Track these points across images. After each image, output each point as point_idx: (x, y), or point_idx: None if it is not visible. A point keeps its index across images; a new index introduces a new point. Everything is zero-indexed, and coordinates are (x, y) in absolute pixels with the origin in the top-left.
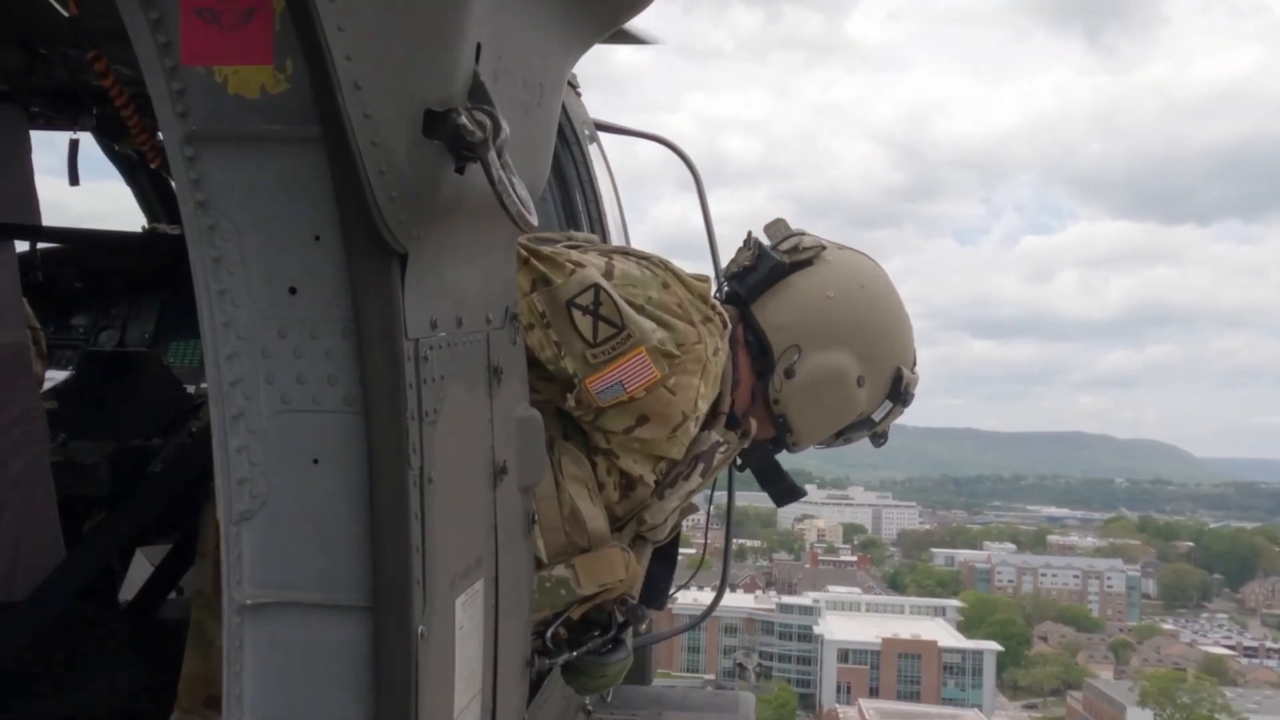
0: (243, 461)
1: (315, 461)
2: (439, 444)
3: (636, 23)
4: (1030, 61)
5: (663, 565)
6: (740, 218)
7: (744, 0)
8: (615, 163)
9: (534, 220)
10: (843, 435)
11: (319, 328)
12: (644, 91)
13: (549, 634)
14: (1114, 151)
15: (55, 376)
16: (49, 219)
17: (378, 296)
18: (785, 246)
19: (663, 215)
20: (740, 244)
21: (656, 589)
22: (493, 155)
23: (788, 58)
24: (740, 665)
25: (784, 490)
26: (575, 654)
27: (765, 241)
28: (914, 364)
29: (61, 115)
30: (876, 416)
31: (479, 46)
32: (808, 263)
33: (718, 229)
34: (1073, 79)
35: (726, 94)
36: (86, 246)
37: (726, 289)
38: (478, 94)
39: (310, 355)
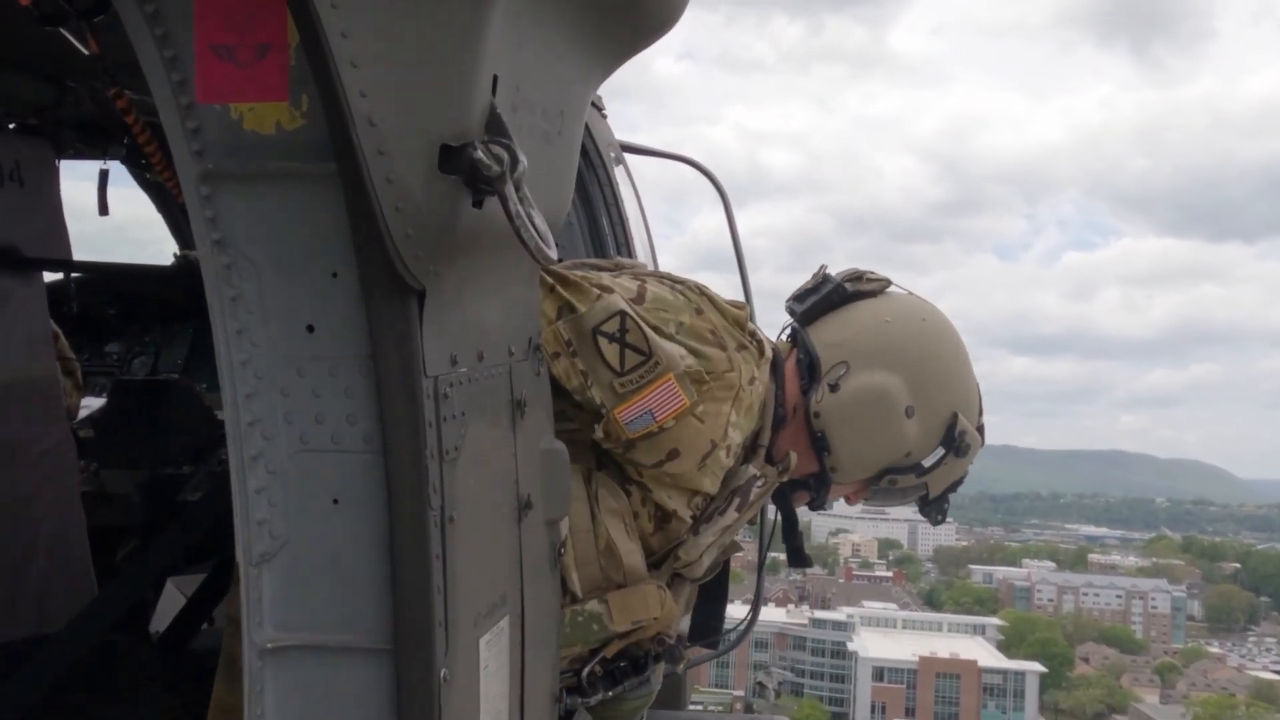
0: (262, 502)
1: (335, 502)
2: (460, 482)
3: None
4: (1075, 75)
5: (713, 604)
6: (780, 230)
7: (786, 12)
8: (653, 178)
9: (553, 254)
10: (888, 476)
11: (337, 366)
12: (684, 103)
13: (585, 672)
14: (1159, 167)
15: (90, 404)
16: (84, 228)
17: (396, 334)
18: (850, 278)
19: (701, 228)
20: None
21: (709, 627)
22: (510, 189)
23: (830, 70)
24: (761, 684)
25: (794, 551)
26: (610, 693)
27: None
28: (977, 423)
29: (91, 146)
30: (926, 462)
31: (495, 78)
32: (871, 294)
33: (758, 241)
34: (1118, 93)
35: (767, 107)
36: (119, 277)
37: (792, 332)
38: (495, 126)
39: (329, 394)
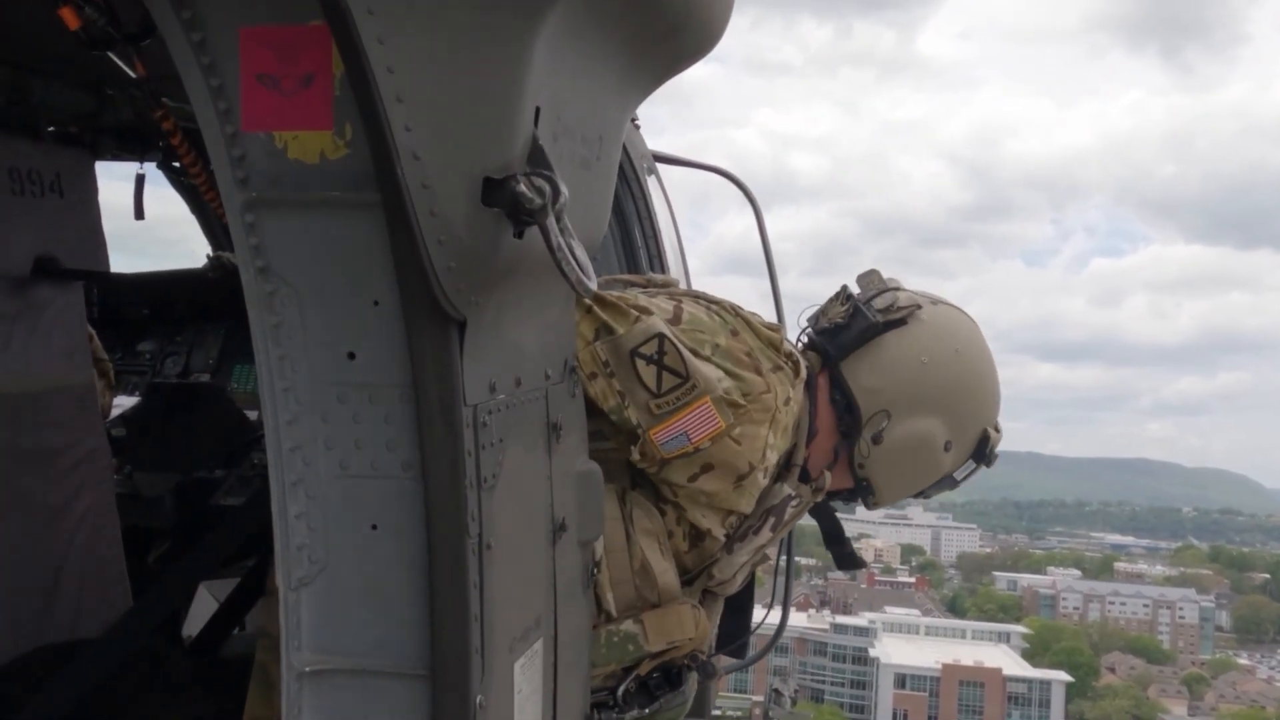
0: (301, 527)
1: (374, 527)
2: (498, 509)
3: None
4: (1105, 80)
5: (738, 614)
6: (805, 234)
7: (814, 15)
8: (678, 181)
9: (593, 286)
10: (922, 493)
11: (378, 392)
12: (712, 106)
13: (620, 691)
14: (1189, 173)
15: (123, 403)
16: (115, 226)
17: (436, 365)
18: (880, 304)
19: (727, 232)
20: (832, 296)
21: (734, 637)
22: (551, 221)
23: (857, 74)
24: (777, 692)
25: (844, 556)
26: (647, 711)
27: (856, 290)
28: (997, 424)
29: (128, 150)
30: (959, 476)
31: (538, 110)
32: (901, 322)
33: (784, 245)
34: (1148, 99)
35: (794, 110)
36: (153, 280)
37: (812, 340)
38: (537, 158)
39: (369, 420)
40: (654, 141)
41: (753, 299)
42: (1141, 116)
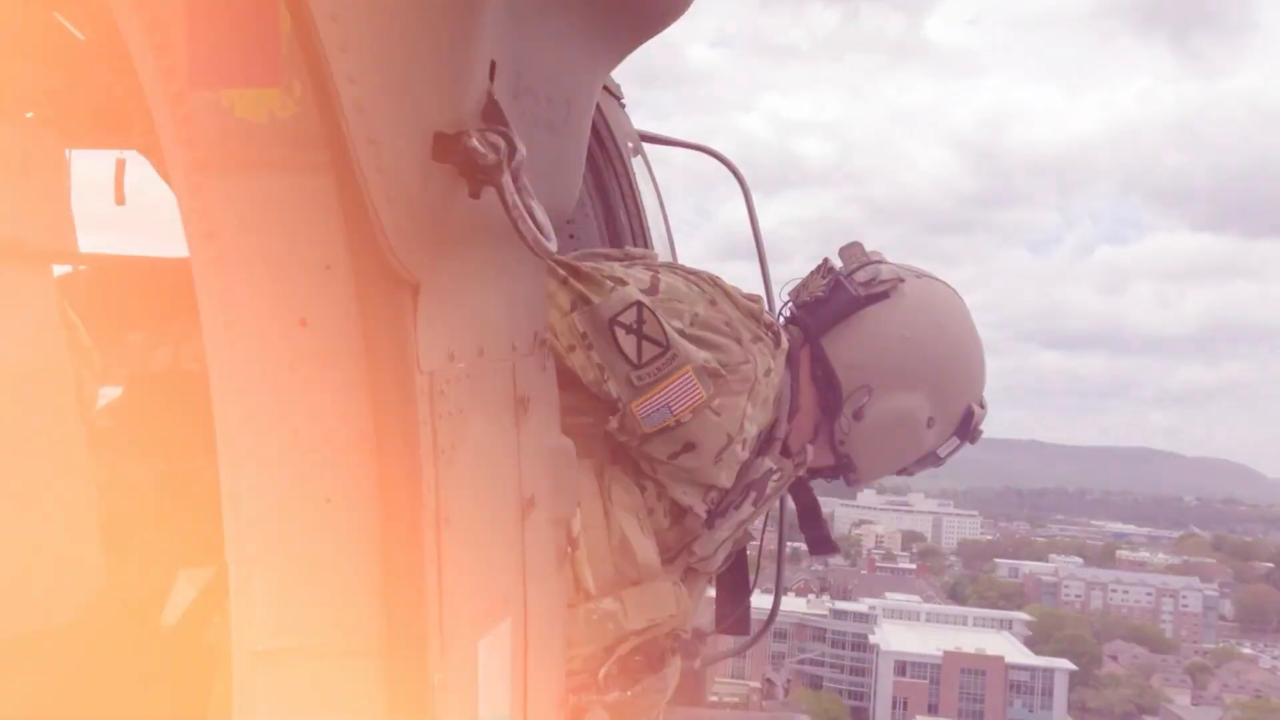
0: (252, 501)
1: (327, 501)
2: (457, 481)
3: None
4: (1113, 67)
5: (736, 594)
6: (810, 220)
7: None
8: (682, 165)
9: (552, 246)
10: (904, 470)
11: (330, 361)
12: (717, 90)
13: (602, 673)
14: (1196, 162)
15: (110, 394)
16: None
17: (389, 329)
18: (861, 277)
19: (731, 217)
20: (813, 269)
21: (734, 618)
22: (507, 179)
23: (865, 59)
24: (769, 682)
25: (818, 539)
26: (628, 694)
27: (838, 264)
28: (983, 400)
29: (105, 135)
30: (942, 453)
31: (493, 64)
32: (884, 295)
33: (788, 231)
34: (1156, 86)
35: (801, 95)
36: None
37: (794, 314)
38: (491, 114)
39: (321, 390)
40: (658, 126)
41: (757, 285)
42: (1149, 104)
